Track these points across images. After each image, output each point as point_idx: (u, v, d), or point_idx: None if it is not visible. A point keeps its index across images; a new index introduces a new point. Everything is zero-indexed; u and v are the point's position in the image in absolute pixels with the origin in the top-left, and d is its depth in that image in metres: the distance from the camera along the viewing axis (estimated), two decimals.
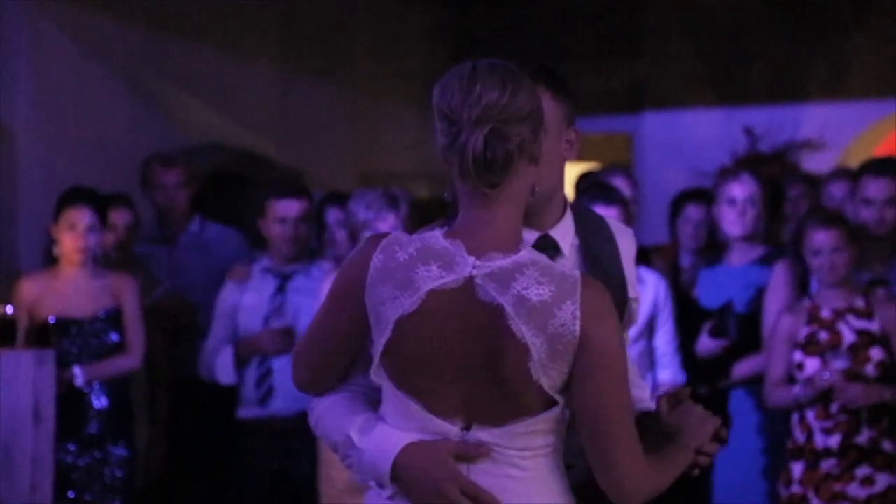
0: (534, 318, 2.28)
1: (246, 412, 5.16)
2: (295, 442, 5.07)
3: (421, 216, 5.12)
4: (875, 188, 4.93)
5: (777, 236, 5.59)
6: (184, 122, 7.18)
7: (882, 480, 4.55)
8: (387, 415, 2.44)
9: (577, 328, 2.29)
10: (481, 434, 2.37)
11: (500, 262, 2.32)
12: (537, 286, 2.29)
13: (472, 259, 2.33)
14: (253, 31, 7.78)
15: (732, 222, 5.13)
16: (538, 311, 2.28)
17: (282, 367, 5.10)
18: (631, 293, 2.66)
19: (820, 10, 8.53)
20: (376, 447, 2.42)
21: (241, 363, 5.14)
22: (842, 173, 5.84)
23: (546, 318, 2.29)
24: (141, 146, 6.36)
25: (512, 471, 2.37)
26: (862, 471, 4.56)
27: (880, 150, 8.41)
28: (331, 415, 2.54)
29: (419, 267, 2.33)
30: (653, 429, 2.52)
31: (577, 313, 2.29)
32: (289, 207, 5.18)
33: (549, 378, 2.31)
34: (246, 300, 5.20)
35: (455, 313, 2.33)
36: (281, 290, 5.18)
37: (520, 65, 2.44)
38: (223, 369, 5.15)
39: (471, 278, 2.32)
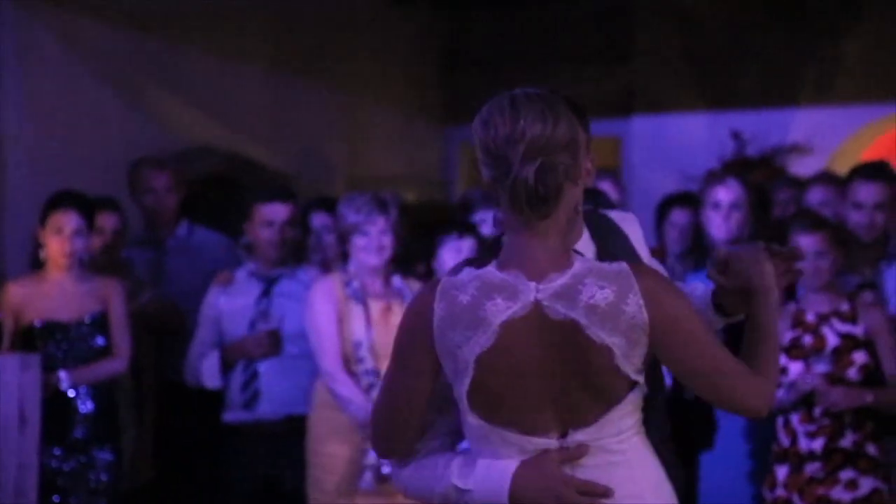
0: (607, 320, 2.43)
1: (232, 416, 5.16)
2: (281, 445, 5.08)
3: (409, 220, 5.13)
4: (865, 192, 4.94)
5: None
6: (173, 126, 7.18)
7: (866, 484, 4.56)
8: (481, 452, 2.55)
9: (645, 315, 2.43)
10: (579, 436, 2.50)
11: (560, 280, 2.45)
12: (600, 291, 2.43)
13: (533, 284, 2.45)
14: (243, 36, 7.79)
15: (717, 226, 5.16)
16: (609, 314, 2.43)
17: (267, 371, 5.11)
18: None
19: (809, 15, 8.55)
20: (484, 482, 2.54)
21: (227, 367, 5.14)
22: (824, 178, 5.85)
23: (617, 316, 2.42)
24: (130, 150, 6.35)
25: (613, 457, 2.51)
26: (846, 474, 4.57)
27: (868, 154, 8.43)
28: (421, 474, 2.63)
29: (485, 304, 2.44)
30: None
31: (641, 303, 2.43)
32: (275, 211, 5.18)
33: (632, 365, 2.46)
34: (231, 304, 5.20)
35: (531, 339, 2.45)
36: (266, 294, 5.18)
37: (544, 92, 2.53)
38: (209, 374, 5.15)
39: (537, 302, 2.44)
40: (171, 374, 5.47)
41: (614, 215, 2.85)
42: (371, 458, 4.74)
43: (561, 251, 2.49)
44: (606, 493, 2.50)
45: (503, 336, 2.44)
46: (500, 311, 2.44)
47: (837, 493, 4.55)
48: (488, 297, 2.44)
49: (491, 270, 2.48)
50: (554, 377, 2.46)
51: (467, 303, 2.45)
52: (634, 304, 2.43)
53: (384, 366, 4.74)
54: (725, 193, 5.16)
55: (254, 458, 5.09)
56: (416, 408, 2.57)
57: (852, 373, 4.60)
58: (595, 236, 2.77)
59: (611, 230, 2.80)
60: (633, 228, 2.84)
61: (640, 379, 2.49)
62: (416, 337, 2.52)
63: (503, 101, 2.48)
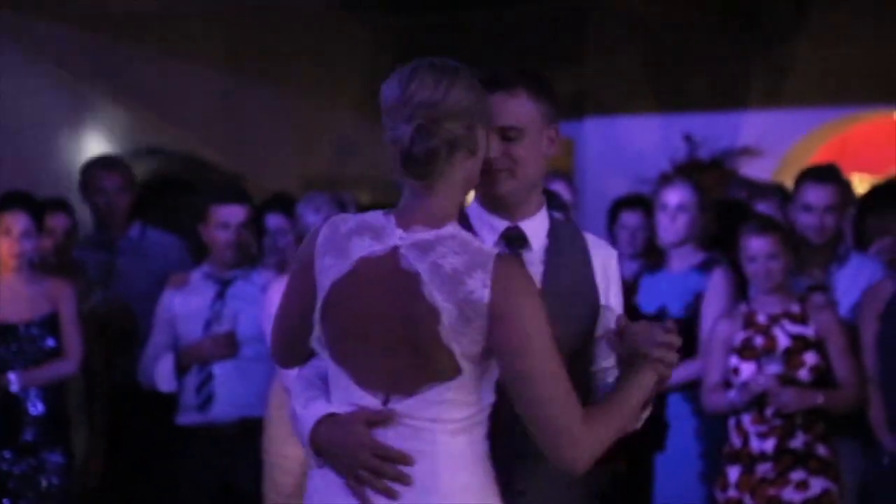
0: (446, 284, 2.43)
1: (185, 418, 5.13)
2: (236, 448, 5.05)
3: None
4: (815, 195, 4.97)
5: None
6: (124, 127, 7.14)
7: (816, 485, 4.59)
8: (330, 389, 2.61)
9: (486, 296, 2.42)
10: (398, 406, 2.50)
11: (424, 234, 2.50)
12: (452, 256, 2.45)
13: (399, 231, 2.51)
14: (196, 37, 7.75)
15: (665, 228, 5.19)
16: (450, 279, 2.44)
17: (222, 373, 5.08)
18: (602, 299, 2.77)
19: (759, 19, 8.62)
20: (299, 419, 2.61)
21: (182, 371, 5.11)
22: (771, 191, 5.89)
23: (457, 285, 2.43)
24: (82, 151, 6.31)
25: (422, 444, 2.50)
26: (797, 475, 4.60)
27: (817, 157, 8.51)
28: (294, 388, 2.70)
29: (354, 238, 2.52)
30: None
31: (488, 283, 2.42)
32: (231, 213, 5.16)
33: (460, 345, 2.44)
34: (186, 306, 5.16)
35: (379, 280, 2.49)
36: (221, 296, 5.15)
37: (503, 69, 2.69)
38: (163, 376, 5.11)
39: (396, 248, 2.50)
40: (123, 376, 5.43)
41: (590, 238, 2.83)
42: None
43: (440, 214, 2.52)
44: (404, 460, 2.48)
45: (357, 270, 2.51)
46: (364, 247, 2.51)
47: (788, 493, 4.58)
48: (360, 233, 2.53)
49: (376, 213, 2.57)
50: (388, 327, 2.48)
51: (342, 234, 2.54)
52: (479, 281, 2.42)
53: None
54: (673, 195, 5.20)
55: (207, 461, 5.06)
56: (307, 324, 2.58)
57: (803, 374, 4.64)
58: (553, 237, 2.78)
59: (576, 244, 2.79)
60: (606, 256, 2.81)
61: (468, 367, 2.45)
62: (303, 260, 2.59)
63: (407, 67, 2.55)
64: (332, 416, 2.56)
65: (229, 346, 5.07)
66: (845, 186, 5.27)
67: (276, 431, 4.90)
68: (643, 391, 2.56)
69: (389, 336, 2.49)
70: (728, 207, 5.53)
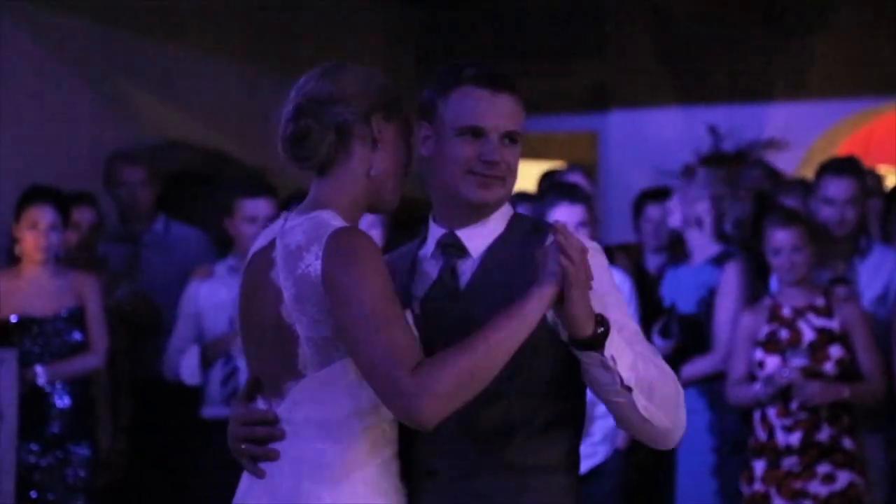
0: (288, 262, 2.35)
1: (211, 411, 5.14)
2: None
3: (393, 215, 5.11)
4: (835, 188, 4.95)
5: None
6: (148, 120, 7.15)
7: (843, 478, 4.58)
8: None
9: (319, 269, 2.31)
10: (277, 409, 2.41)
11: (294, 221, 2.42)
12: (300, 234, 2.36)
13: (281, 222, 2.45)
14: (218, 30, 7.76)
15: (672, 216, 5.23)
16: (292, 256, 2.35)
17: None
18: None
19: (783, 10, 8.58)
20: None
21: (207, 364, 5.12)
22: (795, 185, 5.88)
23: (296, 261, 2.34)
24: (105, 145, 6.33)
25: (297, 451, 2.38)
26: (823, 468, 4.58)
27: (842, 149, 8.47)
28: None
29: (258, 238, 2.51)
30: None
31: (320, 254, 2.31)
32: (258, 207, 5.16)
33: (303, 328, 2.33)
34: (211, 300, 5.18)
35: (258, 273, 2.43)
36: None
37: (489, 66, 2.50)
38: (188, 370, 5.12)
39: (275, 238, 2.43)
40: (147, 370, 5.44)
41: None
42: None
43: (321, 203, 2.43)
44: (267, 418, 2.40)
45: (248, 265, 2.48)
46: (258, 243, 2.49)
47: (814, 486, 4.57)
48: (264, 234, 2.50)
49: (287, 213, 2.51)
50: (258, 325, 2.43)
51: (259, 237, 2.53)
52: (314, 255, 2.32)
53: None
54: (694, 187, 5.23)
55: (232, 454, 5.06)
56: None
57: (829, 367, 4.62)
58: (509, 237, 2.53)
59: (526, 254, 2.45)
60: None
61: (316, 356, 2.33)
62: None
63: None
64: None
65: None
66: (867, 178, 5.25)
67: None
68: (519, 316, 2.29)
69: (259, 330, 2.43)
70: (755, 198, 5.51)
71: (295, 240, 2.36)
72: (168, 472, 5.54)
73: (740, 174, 6.03)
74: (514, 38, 9.11)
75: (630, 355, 2.39)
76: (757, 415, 4.71)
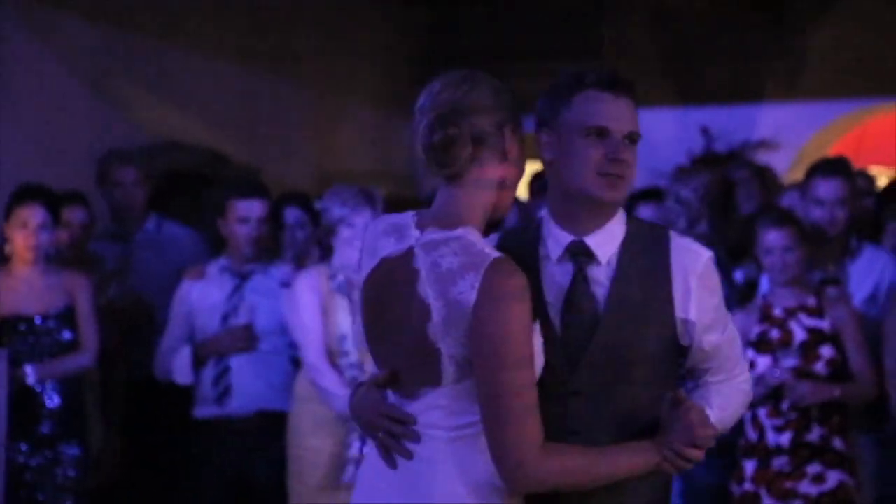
0: (439, 283, 2.46)
1: (202, 411, 5.14)
2: (253, 441, 5.06)
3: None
4: (825, 189, 4.97)
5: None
6: (142, 120, 7.15)
7: (833, 478, 4.58)
8: None
9: (473, 298, 2.42)
10: (409, 407, 2.56)
11: (435, 234, 2.52)
12: (452, 256, 2.47)
13: (417, 232, 2.55)
14: (214, 30, 7.76)
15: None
16: (444, 278, 2.46)
17: (239, 367, 5.09)
18: (680, 313, 2.64)
19: (776, 12, 8.59)
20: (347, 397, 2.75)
21: (199, 364, 5.12)
22: (793, 186, 5.89)
23: (449, 284, 2.45)
24: (98, 144, 6.32)
25: (424, 451, 2.52)
26: (813, 468, 4.59)
27: (834, 150, 8.49)
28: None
29: (382, 238, 2.60)
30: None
31: (476, 285, 2.42)
32: (251, 208, 5.16)
33: (446, 345, 2.46)
34: (203, 300, 5.17)
35: (394, 279, 2.55)
36: (239, 289, 5.16)
37: (610, 69, 2.69)
38: (180, 369, 5.12)
39: (411, 248, 2.54)
40: (139, 370, 5.44)
41: (677, 244, 2.69)
42: (354, 451, 4.74)
43: (456, 215, 2.55)
44: (406, 420, 2.54)
45: (379, 269, 2.59)
46: (388, 247, 2.58)
47: (805, 486, 4.57)
48: (388, 233, 2.60)
49: (405, 215, 2.62)
50: (396, 328, 2.55)
51: (376, 234, 2.63)
52: (469, 284, 2.42)
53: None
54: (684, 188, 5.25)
55: (224, 454, 5.07)
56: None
57: (819, 367, 4.62)
58: (629, 244, 2.67)
59: (656, 248, 2.67)
60: (692, 262, 2.65)
61: (454, 371, 2.46)
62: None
63: (437, 78, 2.61)
64: (360, 384, 2.69)
65: (247, 339, 5.08)
66: (857, 179, 5.26)
67: (302, 424, 4.90)
68: (633, 462, 2.51)
69: (397, 335, 2.55)
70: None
71: (447, 262, 2.47)
72: (159, 471, 5.55)
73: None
74: (513, 39, 9.13)
75: (722, 408, 2.73)
76: (748, 415, 4.71)
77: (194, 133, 7.53)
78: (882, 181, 6.92)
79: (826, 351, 4.64)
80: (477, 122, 2.52)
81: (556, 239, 2.68)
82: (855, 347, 4.66)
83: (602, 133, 2.61)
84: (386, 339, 2.59)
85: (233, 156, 7.73)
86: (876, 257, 5.00)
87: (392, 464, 2.57)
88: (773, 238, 4.70)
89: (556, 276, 2.66)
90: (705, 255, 2.67)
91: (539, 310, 2.57)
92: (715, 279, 2.68)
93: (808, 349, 4.64)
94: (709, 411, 2.64)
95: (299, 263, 5.32)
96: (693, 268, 2.65)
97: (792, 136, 8.39)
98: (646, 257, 2.65)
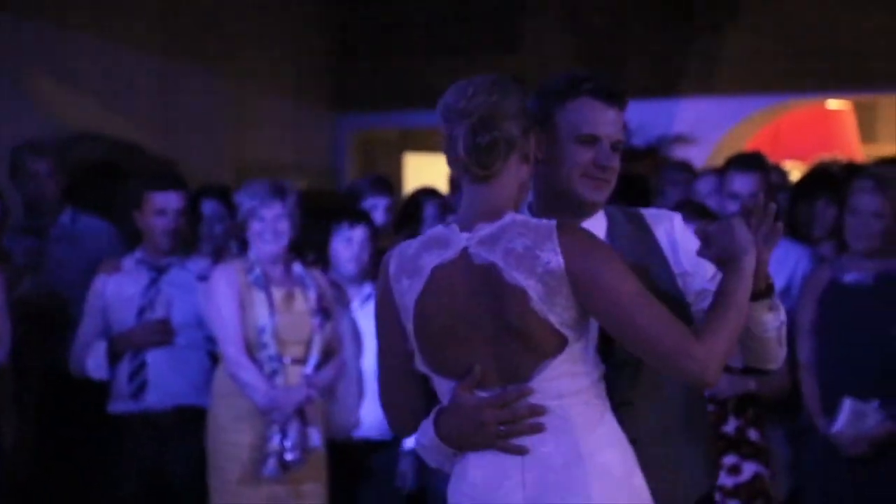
0: (522, 264, 2.56)
1: (118, 406, 5.09)
2: (169, 436, 5.03)
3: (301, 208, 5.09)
4: (741, 182, 5.03)
5: None
6: (56, 111, 7.05)
7: (748, 469, 4.64)
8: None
9: (562, 263, 2.54)
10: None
11: (487, 229, 2.62)
12: (519, 237, 2.58)
13: (464, 234, 2.63)
14: (129, 20, 7.67)
15: None
16: (525, 258, 2.56)
17: (156, 361, 5.04)
18: (676, 268, 2.84)
19: (691, 8, 8.68)
20: (422, 432, 2.69)
21: (115, 358, 5.06)
22: (710, 171, 5.95)
23: (532, 261, 2.55)
24: (11, 136, 6.22)
25: (555, 420, 2.59)
26: (729, 459, 4.64)
27: (750, 145, 8.59)
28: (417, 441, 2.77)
29: (423, 254, 2.65)
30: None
31: (558, 250, 2.54)
32: (168, 200, 5.12)
33: (555, 315, 2.55)
34: (119, 293, 5.11)
35: (458, 283, 2.61)
36: (155, 283, 5.11)
37: (615, 81, 2.82)
38: (95, 364, 5.06)
39: (465, 249, 2.62)
40: (54, 365, 5.36)
41: (647, 213, 2.92)
42: (274, 444, 4.73)
43: (499, 209, 2.64)
44: (524, 394, 2.59)
45: (433, 279, 2.62)
46: (435, 258, 2.63)
47: (721, 478, 4.61)
48: (427, 248, 2.65)
49: (437, 228, 2.69)
50: (482, 323, 2.59)
51: (411, 254, 2.66)
52: (550, 251, 2.54)
53: (288, 352, 4.76)
54: None
55: (141, 449, 5.03)
56: (408, 352, 2.69)
57: (735, 360, 4.67)
58: (613, 232, 2.86)
59: (636, 226, 2.88)
60: (668, 225, 2.89)
61: (570, 334, 2.56)
62: (382, 300, 2.71)
63: (464, 80, 2.69)
64: (442, 409, 2.66)
65: (163, 333, 5.04)
66: (772, 173, 5.33)
67: (222, 418, 4.87)
68: (743, 283, 2.63)
69: (485, 331, 2.60)
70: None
71: (519, 244, 2.57)
72: (75, 466, 5.48)
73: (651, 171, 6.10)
74: (428, 34, 9.13)
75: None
76: None
77: (109, 124, 7.44)
78: (796, 176, 7.03)
79: None
80: (508, 128, 2.62)
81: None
82: None
83: (593, 140, 2.77)
84: (464, 343, 2.62)
85: (149, 148, 7.65)
86: (789, 251, 5.07)
87: (522, 450, 2.60)
88: None
89: None
90: (676, 215, 2.91)
91: None
92: (689, 231, 2.89)
93: None
94: None
95: (217, 257, 5.29)
96: (671, 227, 2.87)
97: (708, 130, 8.48)
98: (633, 237, 2.85)
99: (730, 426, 4.65)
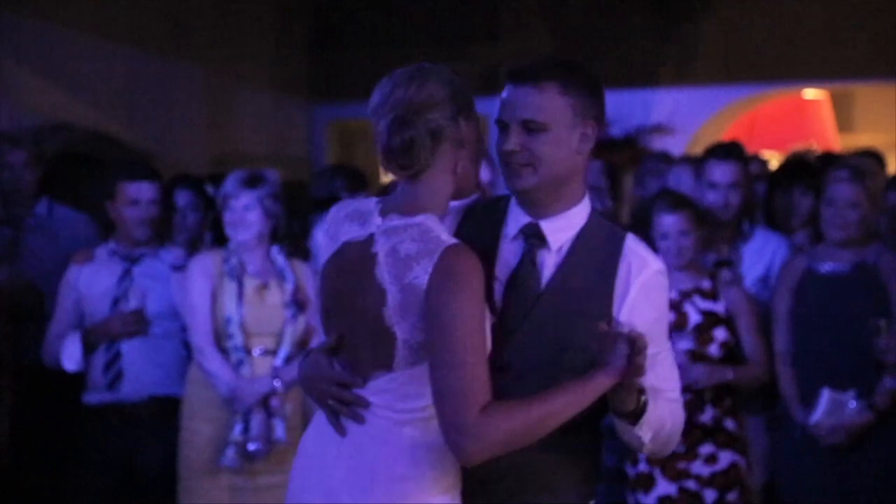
0: (396, 268, 2.53)
1: (93, 397, 5.06)
2: (144, 427, 5.01)
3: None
4: (720, 172, 5.04)
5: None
6: (31, 101, 7.01)
7: (724, 458, 4.65)
8: None
9: (425, 283, 2.48)
10: (366, 390, 2.62)
11: (397, 221, 2.59)
12: (410, 242, 2.53)
13: (379, 220, 2.61)
14: (104, 10, 7.63)
15: None
16: (401, 263, 2.52)
17: (130, 352, 5.02)
18: (616, 313, 2.65)
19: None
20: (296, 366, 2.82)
21: (89, 349, 5.03)
22: (686, 161, 5.96)
23: (405, 269, 2.52)
24: None
25: (374, 431, 2.59)
26: (705, 449, 4.65)
27: (727, 134, 8.61)
28: None
29: (345, 223, 2.67)
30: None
31: (429, 270, 2.49)
32: (141, 190, 5.09)
33: (402, 330, 2.53)
34: (92, 284, 5.09)
35: (353, 263, 2.61)
36: (128, 273, 5.09)
37: (542, 60, 2.68)
38: (69, 356, 5.03)
39: (372, 235, 2.60)
40: (28, 357, 5.33)
41: (632, 247, 2.71)
42: (236, 434, 4.73)
43: (418, 204, 2.61)
44: (356, 384, 2.61)
45: (340, 252, 2.65)
46: (350, 232, 2.64)
47: (697, 467, 4.64)
48: (351, 218, 2.67)
49: (369, 200, 2.69)
50: (352, 311, 2.61)
51: (340, 218, 2.69)
52: (423, 268, 2.49)
53: (254, 343, 4.75)
54: None
55: (116, 440, 5.01)
56: None
57: (713, 349, 4.69)
58: (584, 236, 2.70)
59: (608, 248, 2.69)
60: (638, 274, 2.67)
61: (411, 356, 2.52)
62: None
63: (386, 76, 2.65)
64: (308, 351, 2.79)
65: (137, 323, 5.01)
66: (750, 163, 5.35)
67: (190, 407, 4.88)
68: (576, 393, 2.51)
69: (353, 318, 2.61)
70: None
71: (405, 248, 2.52)
72: (51, 458, 5.45)
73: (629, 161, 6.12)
74: (408, 23, 9.11)
75: (655, 420, 2.66)
76: None
77: (84, 115, 7.40)
78: (773, 165, 7.04)
79: (720, 333, 4.70)
80: (432, 118, 2.57)
81: (516, 219, 2.73)
82: (748, 330, 4.73)
83: (503, 126, 2.68)
84: (343, 320, 2.64)
85: (124, 138, 7.62)
86: (767, 240, 5.09)
87: (342, 430, 2.62)
88: (668, 222, 4.75)
89: (509, 254, 2.73)
90: (655, 266, 2.70)
91: (488, 285, 2.63)
92: (660, 294, 2.70)
93: (703, 332, 4.70)
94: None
95: (191, 247, 5.27)
96: (638, 273, 2.68)
97: (686, 121, 8.51)
98: (597, 252, 2.69)
99: (707, 415, 4.66)
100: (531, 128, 2.64)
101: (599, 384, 2.53)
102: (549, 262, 2.69)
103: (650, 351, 2.56)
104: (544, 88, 2.64)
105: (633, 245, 2.71)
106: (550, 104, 2.64)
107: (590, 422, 2.69)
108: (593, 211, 2.76)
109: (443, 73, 2.62)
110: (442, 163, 2.61)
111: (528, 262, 2.70)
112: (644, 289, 2.67)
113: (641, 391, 2.60)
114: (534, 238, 2.71)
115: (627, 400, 2.59)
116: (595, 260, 2.68)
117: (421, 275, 2.49)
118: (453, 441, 2.43)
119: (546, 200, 2.69)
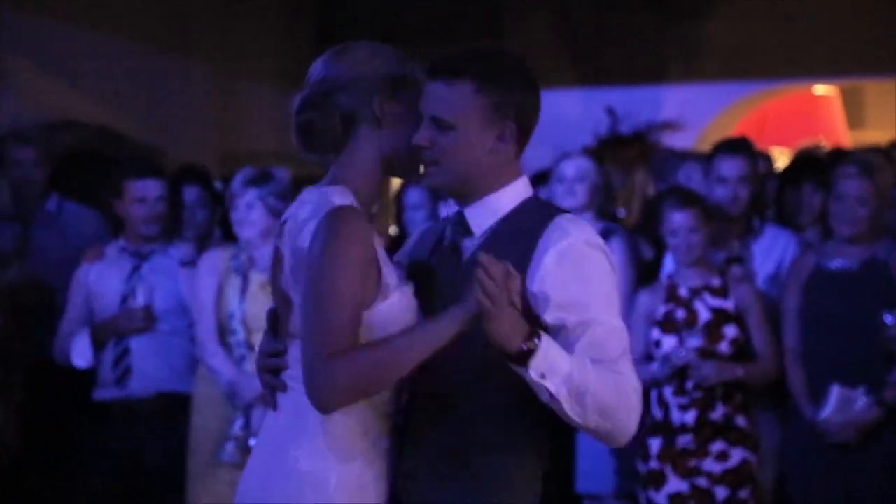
0: (292, 232, 2.50)
1: (103, 393, 5.08)
2: (152, 423, 5.01)
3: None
4: (728, 167, 5.02)
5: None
6: (39, 99, 7.01)
7: (736, 455, 4.65)
8: None
9: (306, 244, 2.45)
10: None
11: (307, 195, 2.55)
12: (308, 205, 2.51)
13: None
14: (112, 7, 7.64)
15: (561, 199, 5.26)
16: (296, 227, 2.49)
17: (139, 348, 5.03)
18: (529, 284, 2.48)
19: None
20: None
21: (99, 346, 5.05)
22: (694, 157, 5.95)
23: (297, 232, 2.48)
24: None
25: (288, 399, 2.55)
26: (717, 446, 4.65)
27: (737, 131, 8.60)
28: None
29: (294, 206, 2.58)
30: None
31: (313, 231, 2.44)
32: (147, 188, 5.10)
33: (295, 292, 2.50)
34: (102, 281, 5.10)
35: (278, 240, 2.60)
36: (137, 270, 5.10)
37: (459, 53, 2.58)
38: (79, 352, 5.05)
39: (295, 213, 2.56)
40: (39, 353, 5.34)
41: (560, 223, 2.53)
42: (236, 429, 4.75)
43: (338, 182, 2.56)
44: (277, 351, 2.59)
45: (281, 234, 2.59)
46: (287, 213, 2.58)
47: (709, 464, 4.63)
48: (299, 202, 2.57)
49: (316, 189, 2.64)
50: (275, 278, 2.59)
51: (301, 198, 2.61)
52: (308, 231, 2.45)
53: (256, 339, 4.76)
54: (570, 168, 5.28)
55: (124, 436, 5.02)
56: None
57: (723, 346, 4.68)
58: (511, 220, 2.58)
59: (531, 230, 2.53)
60: (553, 247, 2.49)
61: (299, 317, 2.45)
62: None
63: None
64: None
65: (146, 319, 5.02)
66: (759, 158, 5.33)
67: (197, 402, 4.93)
68: (431, 330, 2.41)
69: (276, 289, 2.59)
70: None
71: (301, 214, 2.49)
72: (61, 454, 5.46)
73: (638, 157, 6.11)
74: (413, 18, 9.10)
75: (565, 367, 2.41)
76: (654, 394, 4.76)
77: (93, 112, 7.41)
78: (783, 162, 7.03)
79: (730, 331, 4.69)
80: (343, 99, 2.54)
81: (450, 208, 2.70)
82: (758, 327, 4.72)
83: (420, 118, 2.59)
84: (276, 293, 2.62)
85: (134, 135, 7.62)
86: (778, 237, 5.07)
87: (275, 405, 2.58)
88: (678, 219, 4.75)
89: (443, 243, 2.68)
90: (579, 236, 2.50)
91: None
92: (586, 265, 2.49)
93: (713, 329, 4.69)
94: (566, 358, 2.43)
95: (200, 243, 5.28)
96: (556, 244, 2.49)
97: (695, 117, 8.49)
98: (519, 233, 2.54)
99: (718, 413, 4.66)
100: (440, 125, 2.53)
101: (453, 317, 2.40)
102: (470, 249, 2.59)
103: (577, 318, 2.44)
104: (456, 85, 2.52)
105: (561, 221, 2.53)
106: (461, 103, 2.51)
107: (539, 421, 2.56)
108: (533, 197, 2.63)
109: (364, 50, 2.57)
110: (358, 143, 2.56)
111: (449, 251, 2.62)
112: (559, 257, 2.48)
113: (533, 333, 2.40)
114: (458, 226, 2.61)
115: (502, 341, 2.38)
116: (515, 239, 2.53)
117: (306, 238, 2.44)
118: (308, 388, 2.38)
119: (461, 192, 2.60)
